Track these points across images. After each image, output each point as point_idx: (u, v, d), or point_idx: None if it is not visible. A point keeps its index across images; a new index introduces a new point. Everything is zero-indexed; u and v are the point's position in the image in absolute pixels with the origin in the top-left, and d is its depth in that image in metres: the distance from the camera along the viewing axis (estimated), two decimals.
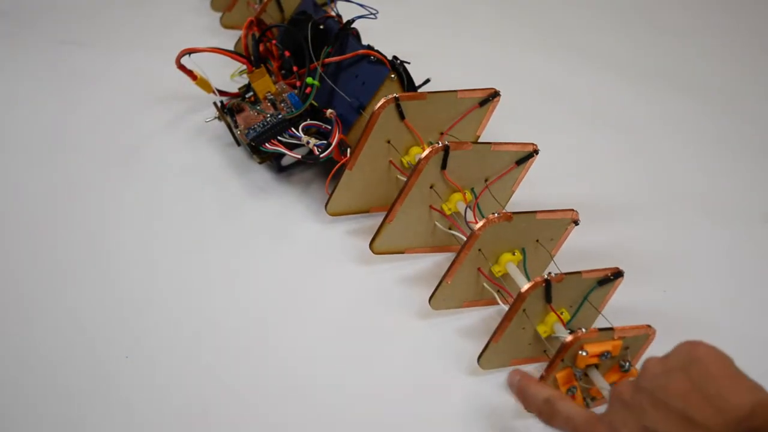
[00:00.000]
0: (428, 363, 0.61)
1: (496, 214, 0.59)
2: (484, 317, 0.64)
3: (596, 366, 0.54)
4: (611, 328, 0.54)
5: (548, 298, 0.56)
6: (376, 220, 0.69)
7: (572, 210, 0.63)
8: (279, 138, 0.71)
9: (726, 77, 0.98)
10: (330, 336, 0.62)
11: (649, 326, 0.56)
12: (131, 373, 0.58)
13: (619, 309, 0.64)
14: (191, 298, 0.64)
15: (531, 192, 0.69)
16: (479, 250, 0.60)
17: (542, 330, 0.58)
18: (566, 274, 0.56)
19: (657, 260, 0.71)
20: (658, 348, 0.58)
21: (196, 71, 0.77)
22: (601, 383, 0.54)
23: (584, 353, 0.53)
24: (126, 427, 0.55)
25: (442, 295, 0.62)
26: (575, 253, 0.64)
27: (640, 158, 0.84)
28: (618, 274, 0.59)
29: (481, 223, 0.59)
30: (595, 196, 0.71)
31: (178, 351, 0.60)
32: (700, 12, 1.13)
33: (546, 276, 0.56)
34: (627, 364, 0.55)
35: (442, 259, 0.69)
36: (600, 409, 0.56)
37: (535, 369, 0.61)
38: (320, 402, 0.58)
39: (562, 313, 0.58)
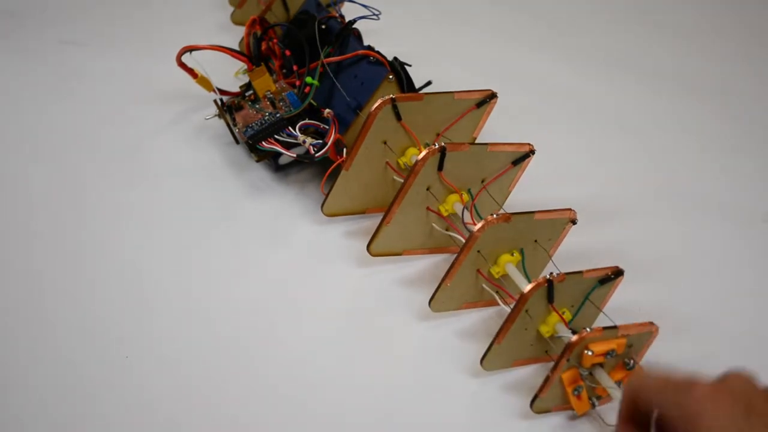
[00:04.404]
0: (429, 365, 0.61)
1: (494, 216, 0.59)
2: (484, 318, 0.65)
3: (601, 365, 0.55)
4: (615, 327, 0.55)
5: (550, 298, 0.57)
6: (372, 221, 0.70)
7: (570, 210, 0.63)
8: (276, 137, 0.72)
9: (727, 77, 0.99)
10: (327, 337, 0.63)
11: (652, 323, 0.57)
12: (132, 373, 0.59)
13: (621, 308, 0.64)
14: (189, 298, 0.65)
15: (532, 194, 0.70)
16: (478, 251, 0.60)
17: (545, 330, 0.58)
18: (568, 273, 0.57)
19: (658, 259, 0.72)
20: (661, 346, 0.60)
21: (197, 69, 0.77)
22: (607, 382, 0.55)
23: (590, 353, 0.53)
24: (126, 427, 0.56)
25: (442, 297, 0.62)
26: (577, 254, 0.65)
27: (640, 159, 0.84)
28: (618, 272, 0.60)
29: (480, 225, 0.59)
30: (596, 197, 0.72)
31: (177, 351, 0.61)
32: (703, 12, 1.13)
33: (548, 276, 0.56)
34: (632, 361, 0.56)
35: (440, 260, 0.69)
36: (605, 407, 0.57)
37: (535, 370, 0.61)
38: (318, 403, 0.58)
39: (564, 313, 0.58)
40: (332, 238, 0.71)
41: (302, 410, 0.58)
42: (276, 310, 0.65)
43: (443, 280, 0.62)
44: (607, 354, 0.54)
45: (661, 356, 0.62)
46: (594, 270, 0.59)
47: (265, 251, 0.70)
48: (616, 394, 0.54)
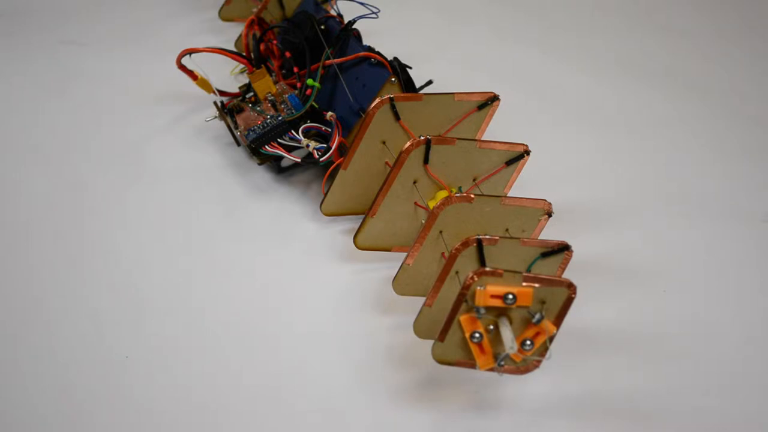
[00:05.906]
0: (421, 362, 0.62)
1: (456, 194, 0.60)
2: None
3: (507, 315, 0.52)
4: (519, 272, 0.52)
5: (482, 261, 0.56)
6: None
7: (544, 200, 0.63)
8: (279, 140, 0.74)
9: (726, 77, 0.99)
10: (323, 336, 0.65)
11: (570, 283, 0.53)
12: (132, 373, 0.61)
13: (621, 309, 0.67)
14: (188, 298, 0.67)
15: (532, 195, 0.71)
16: (440, 232, 0.61)
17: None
18: (502, 237, 0.56)
19: (657, 260, 0.73)
20: (662, 348, 0.61)
21: (197, 71, 0.80)
22: (507, 333, 0.52)
23: (482, 287, 0.51)
24: (126, 426, 0.58)
25: (405, 279, 0.63)
26: (578, 254, 0.65)
27: (641, 159, 0.85)
28: (564, 247, 0.58)
29: (440, 202, 0.60)
30: (596, 198, 0.73)
31: (177, 350, 0.63)
32: (701, 11, 1.14)
33: (478, 236, 0.55)
34: (537, 315, 0.52)
35: None
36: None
37: None
38: (314, 401, 0.60)
39: None
40: (332, 237, 0.74)
41: (298, 406, 0.60)
42: (273, 310, 0.67)
43: (405, 260, 0.62)
44: (505, 297, 0.51)
45: (664, 358, 0.63)
46: (537, 240, 0.58)
47: (267, 252, 0.72)
48: (512, 347, 0.51)
